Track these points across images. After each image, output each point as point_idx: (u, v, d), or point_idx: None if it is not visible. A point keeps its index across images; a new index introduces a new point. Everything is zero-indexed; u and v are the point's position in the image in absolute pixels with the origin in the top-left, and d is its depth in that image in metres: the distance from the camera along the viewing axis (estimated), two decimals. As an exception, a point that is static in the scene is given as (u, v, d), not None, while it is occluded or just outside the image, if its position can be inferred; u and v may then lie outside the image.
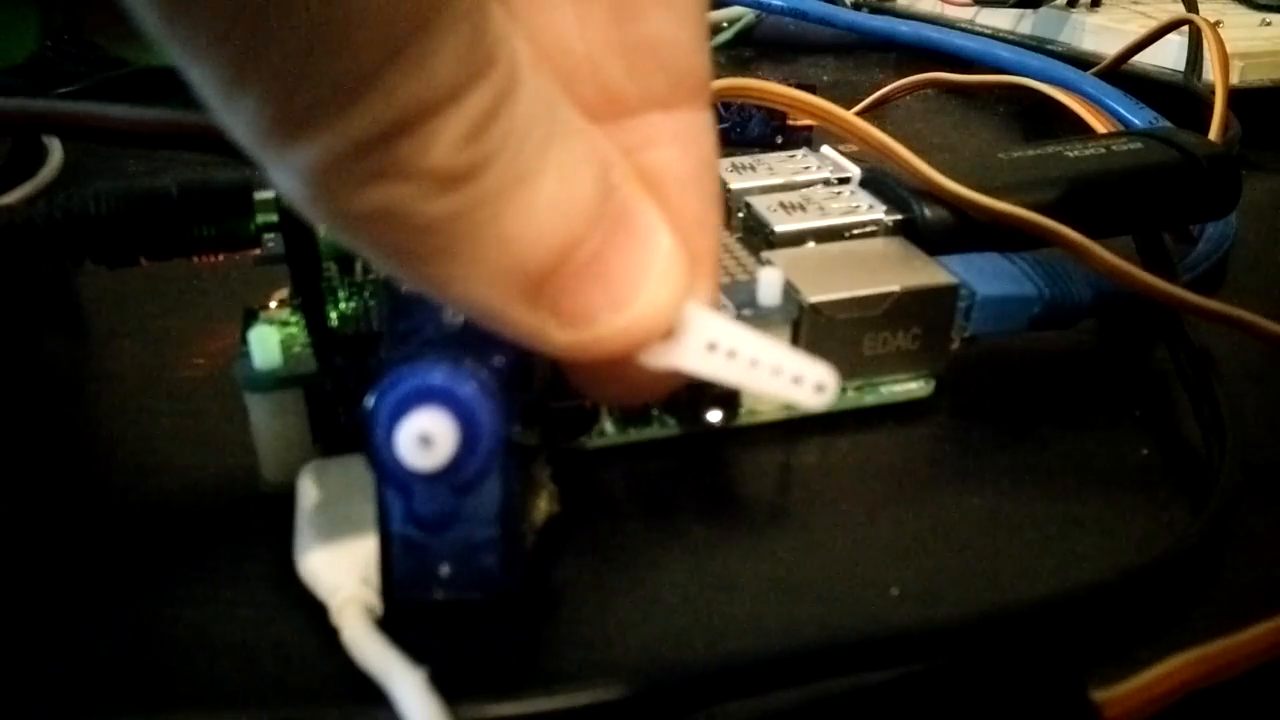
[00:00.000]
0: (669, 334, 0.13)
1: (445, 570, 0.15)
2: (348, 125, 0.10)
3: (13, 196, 0.28)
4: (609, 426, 0.20)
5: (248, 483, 0.19)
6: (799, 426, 0.21)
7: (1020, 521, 0.19)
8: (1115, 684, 0.14)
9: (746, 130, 0.33)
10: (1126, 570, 0.17)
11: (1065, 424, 0.22)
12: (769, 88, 0.26)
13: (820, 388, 0.13)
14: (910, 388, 0.22)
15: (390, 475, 0.14)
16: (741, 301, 0.20)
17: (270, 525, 0.18)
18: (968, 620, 0.16)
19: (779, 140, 0.34)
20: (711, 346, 0.13)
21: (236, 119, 0.10)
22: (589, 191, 0.11)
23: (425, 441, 0.13)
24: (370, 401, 0.13)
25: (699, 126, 0.13)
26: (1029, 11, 0.42)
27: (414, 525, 0.15)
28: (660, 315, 0.12)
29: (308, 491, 0.17)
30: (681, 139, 0.13)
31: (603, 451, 0.20)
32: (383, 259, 0.11)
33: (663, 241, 0.12)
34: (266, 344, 0.18)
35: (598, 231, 0.11)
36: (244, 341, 0.19)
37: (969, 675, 0.15)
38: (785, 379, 0.13)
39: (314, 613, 0.16)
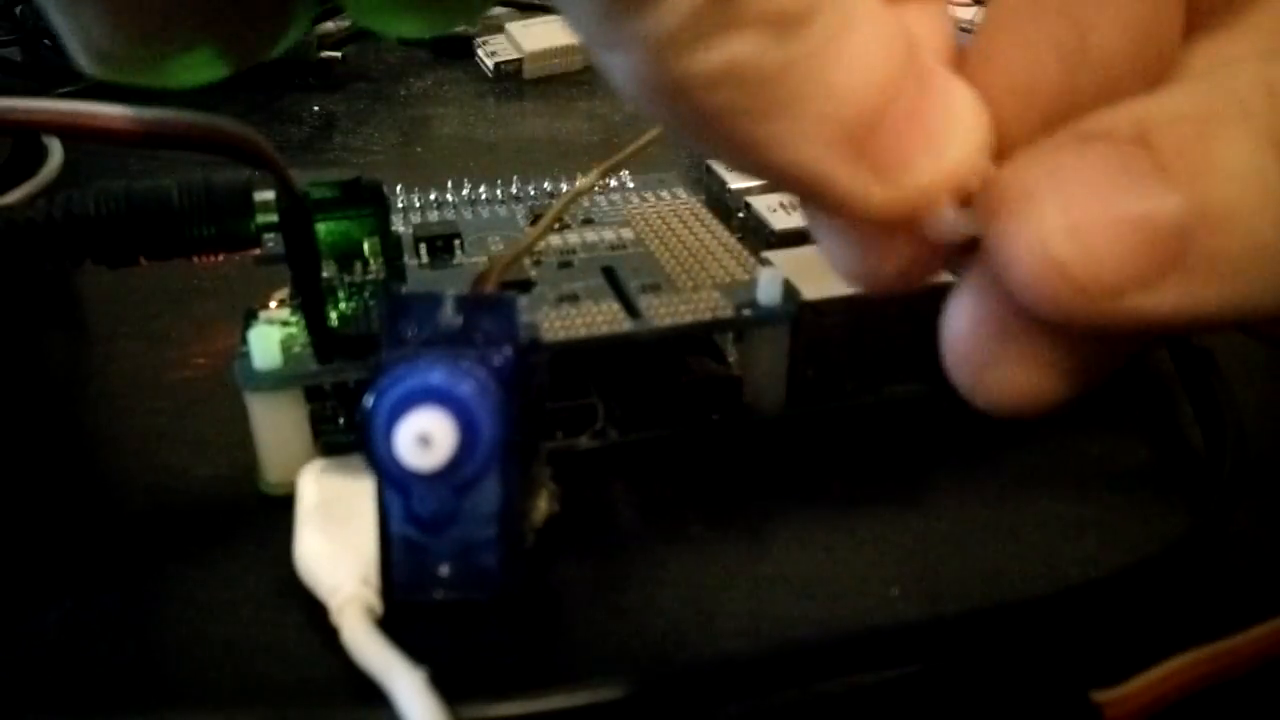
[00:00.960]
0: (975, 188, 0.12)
1: (445, 570, 0.15)
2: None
3: (13, 196, 0.27)
4: (609, 428, 0.20)
5: (247, 482, 0.19)
6: (800, 426, 0.21)
7: (1019, 521, 0.19)
8: (1116, 685, 0.14)
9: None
10: (1126, 569, 0.17)
11: (1065, 424, 0.22)
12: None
13: None
14: (910, 387, 0.22)
15: (389, 475, 0.14)
16: (741, 301, 0.20)
17: (270, 525, 0.18)
18: (969, 620, 0.16)
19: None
20: None
21: (581, 9, 0.11)
22: (900, 44, 0.11)
23: (424, 441, 0.13)
24: (369, 401, 0.13)
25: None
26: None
27: (414, 525, 0.15)
28: (976, 159, 0.12)
29: (308, 492, 0.17)
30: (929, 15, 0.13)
31: (603, 451, 0.20)
32: (715, 128, 0.11)
33: (964, 92, 0.12)
34: (267, 344, 0.18)
35: (910, 79, 0.11)
36: (244, 341, 0.19)
37: (971, 675, 0.15)
38: None
39: (314, 612, 0.16)
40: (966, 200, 0.12)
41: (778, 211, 0.24)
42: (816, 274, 0.21)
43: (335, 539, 0.16)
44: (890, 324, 0.21)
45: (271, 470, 0.19)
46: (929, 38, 0.13)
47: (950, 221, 0.12)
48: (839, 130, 0.11)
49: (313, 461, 0.18)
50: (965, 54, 0.13)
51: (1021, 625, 0.16)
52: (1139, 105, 0.11)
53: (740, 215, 0.25)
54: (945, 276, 0.21)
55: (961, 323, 0.12)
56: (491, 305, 0.15)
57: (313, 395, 0.19)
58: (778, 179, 0.12)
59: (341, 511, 0.17)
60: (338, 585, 0.15)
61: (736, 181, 0.25)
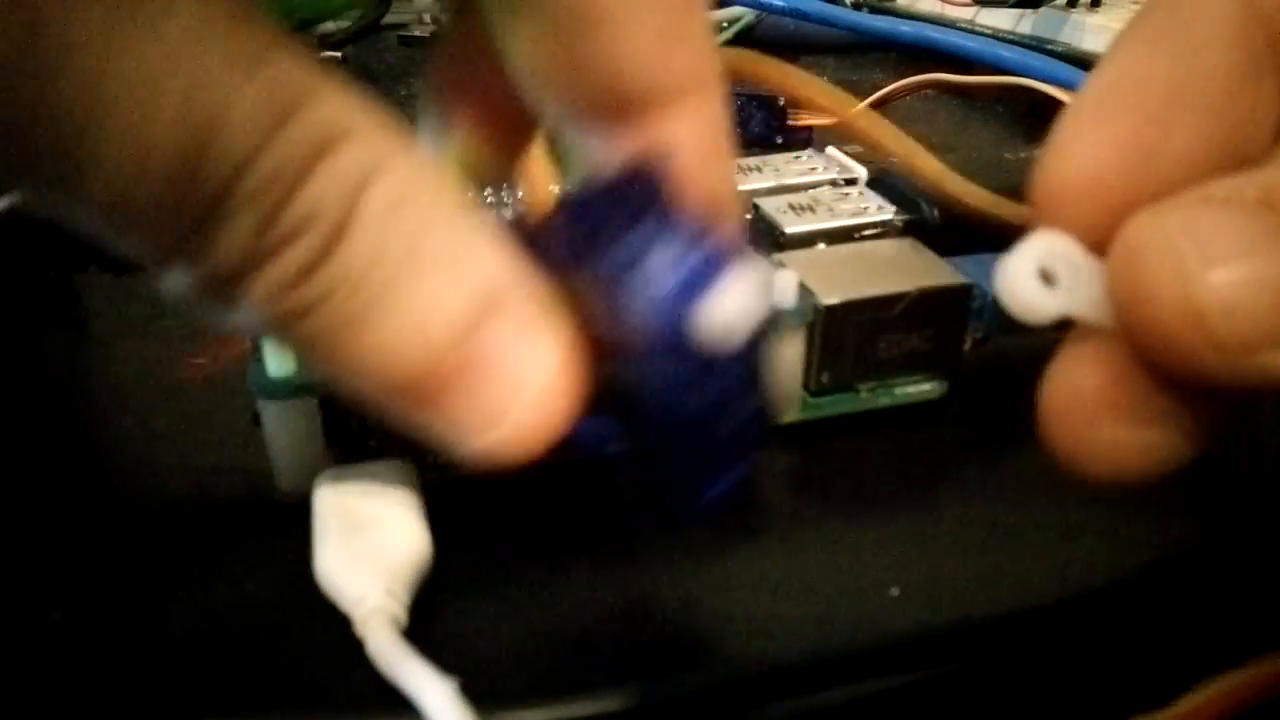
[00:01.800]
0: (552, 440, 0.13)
1: (712, 469, 0.14)
2: (181, 275, 0.11)
3: (13, 197, 0.27)
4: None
5: (256, 487, 0.19)
6: (802, 428, 0.21)
7: (1022, 524, 0.19)
8: (1158, 709, 0.14)
9: (747, 130, 0.33)
10: (1144, 574, 0.17)
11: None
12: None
13: None
14: (923, 389, 0.22)
15: (682, 357, 0.12)
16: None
17: (284, 533, 0.18)
18: (991, 633, 0.16)
19: (779, 140, 0.34)
20: None
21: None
22: (456, 308, 0.12)
23: (737, 306, 0.12)
24: (671, 278, 0.12)
25: (708, 110, 0.14)
26: (1029, 11, 0.42)
27: (685, 419, 0.13)
28: (532, 435, 0.13)
29: (325, 501, 0.17)
30: (692, 121, 0.14)
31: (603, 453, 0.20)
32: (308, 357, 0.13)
33: (546, 361, 0.12)
34: (281, 351, 0.18)
35: (463, 351, 0.12)
36: (257, 348, 0.18)
37: (1008, 695, 0.15)
38: None
39: (336, 624, 0.16)
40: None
41: (787, 214, 0.24)
42: (830, 276, 0.21)
43: (356, 549, 0.16)
44: (904, 327, 0.21)
45: (285, 478, 0.19)
46: (683, 141, 0.14)
47: (1038, 300, 0.11)
48: (394, 388, 0.12)
49: (328, 470, 0.18)
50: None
51: (1051, 635, 0.16)
52: (1259, 174, 0.11)
53: (749, 217, 0.24)
54: (959, 279, 0.21)
55: (1070, 383, 0.12)
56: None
57: (327, 402, 0.18)
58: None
59: (361, 521, 0.17)
60: (361, 596, 0.15)
61: (743, 183, 0.25)
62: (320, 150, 0.11)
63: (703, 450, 0.13)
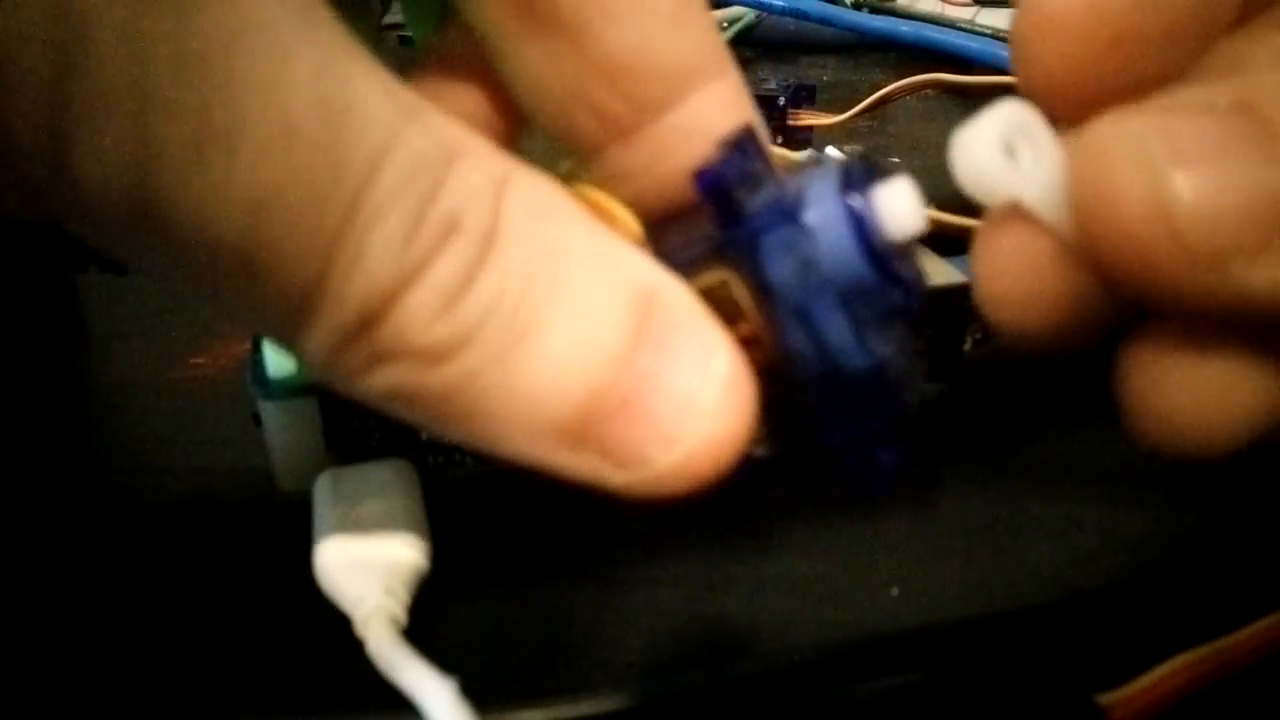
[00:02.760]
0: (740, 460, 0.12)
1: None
2: (320, 328, 0.10)
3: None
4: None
5: (255, 486, 0.19)
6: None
7: (1021, 523, 0.19)
8: (1120, 686, 0.14)
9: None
10: (1129, 574, 0.17)
11: (1071, 425, 0.22)
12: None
13: None
14: (923, 389, 0.22)
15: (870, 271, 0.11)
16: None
17: (283, 533, 0.18)
18: (972, 625, 0.16)
19: (779, 140, 0.34)
20: None
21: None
22: (614, 329, 0.11)
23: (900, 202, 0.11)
24: (837, 196, 0.11)
25: (729, 92, 0.14)
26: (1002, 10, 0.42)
27: (864, 373, 0.12)
28: (717, 449, 0.11)
29: (325, 501, 0.17)
30: (717, 106, 0.13)
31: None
32: (426, 427, 0.12)
33: (712, 366, 0.11)
34: (281, 351, 0.18)
35: (631, 368, 0.11)
36: (257, 349, 0.18)
37: (976, 679, 0.15)
38: None
39: (336, 624, 0.16)
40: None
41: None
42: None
43: (355, 550, 0.16)
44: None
45: (285, 478, 0.19)
46: (711, 125, 0.12)
47: (995, 173, 0.11)
48: (546, 430, 0.11)
49: (328, 470, 0.18)
50: None
51: (1025, 629, 0.16)
52: (1230, 83, 0.10)
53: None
54: (959, 279, 0.21)
55: (1007, 262, 0.11)
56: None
57: (327, 403, 0.18)
58: (518, 462, 0.12)
59: (361, 521, 0.17)
60: (362, 597, 0.15)
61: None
62: (450, 154, 0.10)
63: (876, 413, 0.12)
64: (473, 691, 0.13)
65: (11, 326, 0.25)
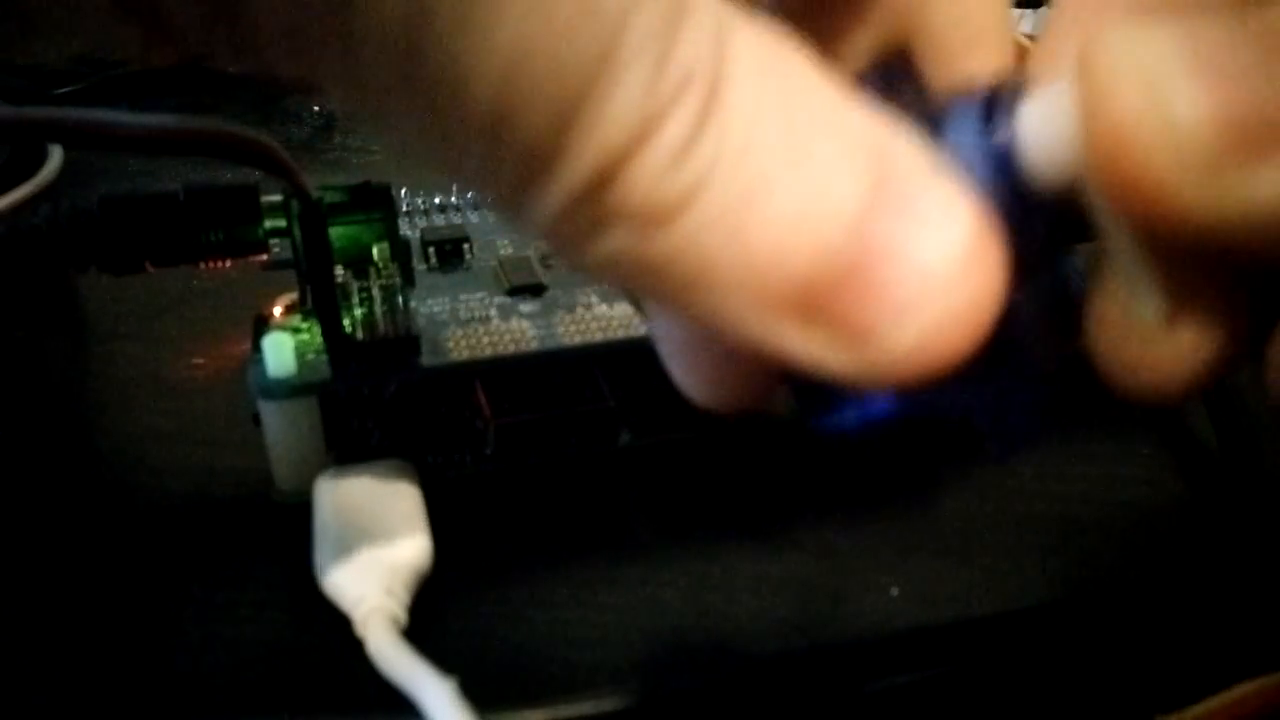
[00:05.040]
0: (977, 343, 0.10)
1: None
2: (554, 188, 0.10)
3: (13, 197, 0.27)
4: (625, 433, 0.20)
5: (255, 486, 0.19)
6: (802, 428, 0.21)
7: (1022, 524, 0.19)
8: (1180, 709, 0.14)
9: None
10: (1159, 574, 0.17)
11: (1071, 424, 0.22)
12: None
13: None
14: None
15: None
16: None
17: (283, 532, 0.18)
18: (974, 624, 0.16)
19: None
20: None
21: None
22: (849, 188, 0.10)
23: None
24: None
25: None
26: (1029, 11, 0.42)
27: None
28: (956, 327, 0.10)
29: (325, 501, 0.17)
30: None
31: (616, 454, 0.20)
32: (646, 295, 0.11)
33: (955, 231, 0.10)
34: (281, 351, 0.18)
35: (867, 231, 0.10)
36: (257, 349, 0.18)
37: (976, 679, 0.15)
38: None
39: (336, 623, 0.16)
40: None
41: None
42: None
43: (356, 550, 0.16)
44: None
45: (285, 478, 0.19)
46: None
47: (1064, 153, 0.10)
48: (772, 298, 0.10)
49: (328, 470, 0.18)
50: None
51: (1051, 635, 0.16)
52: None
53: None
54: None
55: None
56: None
57: (327, 403, 0.18)
58: (738, 341, 0.11)
59: (361, 521, 0.17)
60: (362, 596, 0.15)
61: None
62: (683, 3, 0.09)
63: (1031, 355, 0.11)
64: (473, 691, 0.13)
65: (11, 326, 0.25)
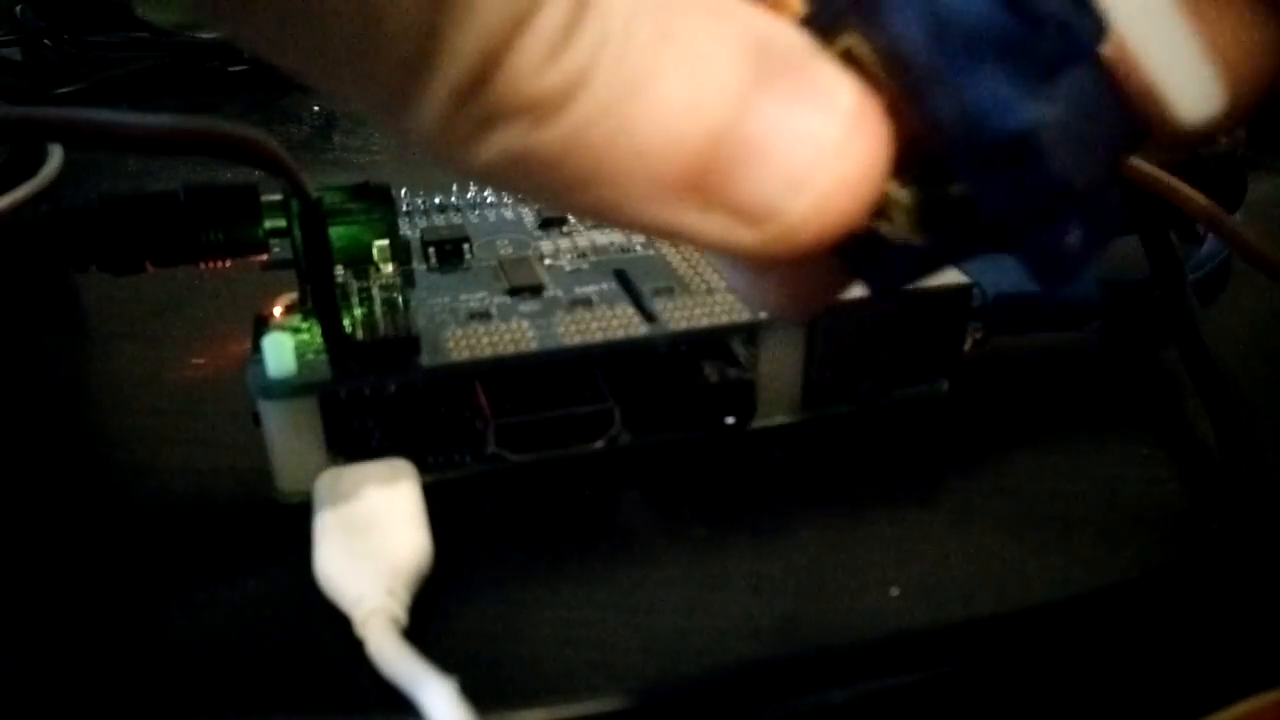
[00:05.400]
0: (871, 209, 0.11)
1: None
2: (433, 93, 0.10)
3: (13, 197, 0.27)
4: (624, 432, 0.20)
5: (255, 487, 0.19)
6: (802, 427, 0.21)
7: (1022, 524, 0.19)
8: None
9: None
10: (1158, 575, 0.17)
11: (1072, 425, 0.22)
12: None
13: None
14: (923, 388, 0.22)
15: None
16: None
17: (283, 532, 0.18)
18: (974, 624, 0.16)
19: None
20: None
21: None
22: (731, 73, 0.10)
23: None
24: None
25: None
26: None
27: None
28: (849, 191, 0.10)
29: (325, 501, 0.17)
30: None
31: (617, 455, 0.20)
32: (540, 198, 0.11)
33: (837, 102, 0.11)
34: (281, 351, 0.18)
35: (750, 112, 0.10)
36: (256, 349, 0.18)
37: (976, 679, 0.15)
38: None
39: (336, 623, 0.16)
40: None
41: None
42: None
43: (356, 550, 0.16)
44: (903, 326, 0.21)
45: (285, 478, 0.19)
46: None
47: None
48: (667, 187, 0.10)
49: (328, 470, 0.18)
50: None
51: (1052, 635, 0.16)
52: None
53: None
54: (959, 279, 0.21)
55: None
56: None
57: (327, 403, 0.18)
58: (643, 232, 0.11)
59: (361, 521, 0.17)
60: (362, 597, 0.15)
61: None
62: None
63: (1041, 186, 0.10)
64: (473, 691, 0.13)
65: (11, 326, 0.25)
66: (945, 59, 0.10)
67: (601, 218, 0.11)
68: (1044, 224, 0.10)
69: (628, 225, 0.11)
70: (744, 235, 0.11)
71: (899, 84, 0.10)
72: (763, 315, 0.20)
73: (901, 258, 0.11)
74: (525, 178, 0.11)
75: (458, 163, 0.10)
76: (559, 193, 0.11)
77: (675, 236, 0.11)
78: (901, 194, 0.11)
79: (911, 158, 0.11)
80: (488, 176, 0.11)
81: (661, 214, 0.11)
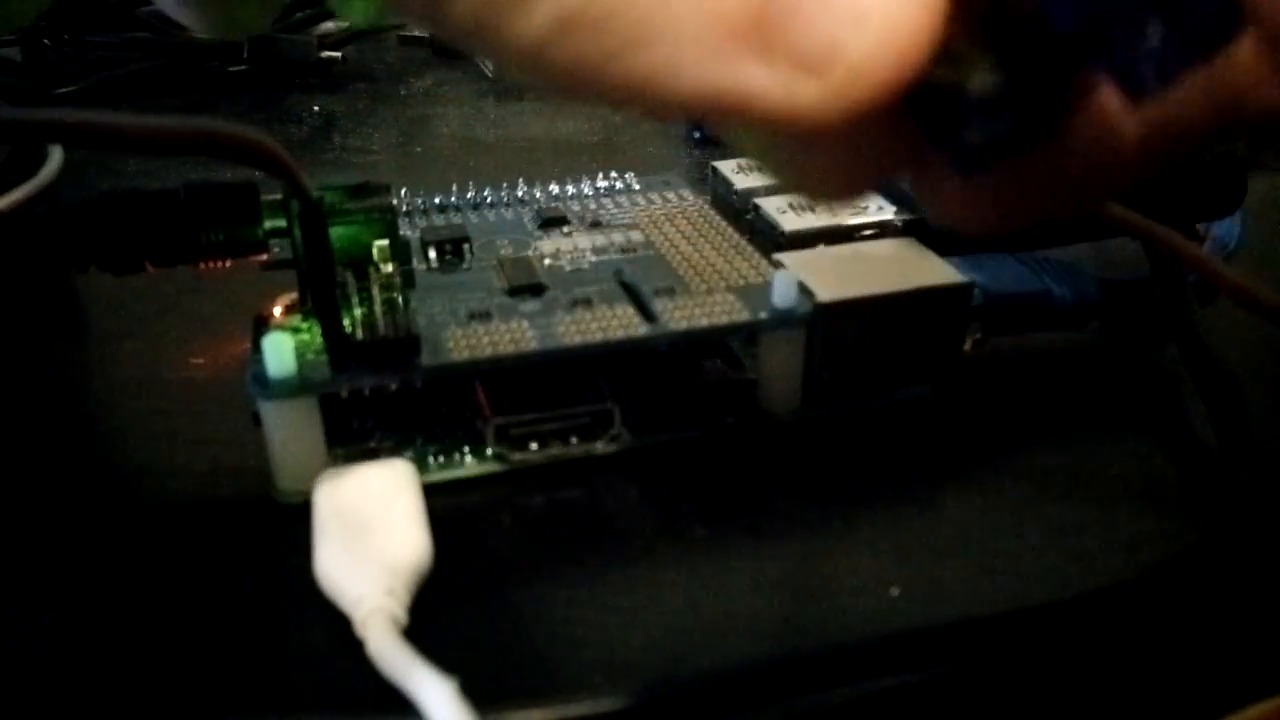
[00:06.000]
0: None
1: None
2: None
3: (13, 197, 0.27)
4: (624, 432, 0.20)
5: (255, 486, 0.19)
6: (802, 427, 0.21)
7: (1022, 524, 0.19)
8: None
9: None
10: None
11: (1072, 425, 0.22)
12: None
13: None
14: (922, 388, 0.22)
15: None
16: (756, 304, 0.20)
17: (283, 532, 0.18)
18: (974, 624, 0.16)
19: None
20: None
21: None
22: None
23: None
24: None
25: None
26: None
27: None
28: (916, 22, 0.10)
29: (325, 501, 0.17)
30: None
31: (618, 455, 0.20)
32: (588, 79, 0.10)
33: None
34: (281, 352, 0.18)
35: None
36: (257, 349, 0.18)
37: (976, 679, 0.15)
38: None
39: (335, 623, 0.16)
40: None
41: (787, 213, 0.24)
42: (829, 276, 0.21)
43: (356, 550, 0.16)
44: (904, 325, 0.21)
45: (285, 478, 0.19)
46: None
47: None
48: (726, 35, 0.10)
49: (328, 470, 0.18)
50: None
51: (1051, 635, 0.16)
52: None
53: (748, 217, 0.24)
54: (959, 279, 0.21)
55: None
56: None
57: (328, 403, 0.18)
58: (702, 112, 0.10)
59: (360, 521, 0.17)
60: (362, 597, 0.15)
61: (744, 182, 0.25)
62: None
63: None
64: (473, 691, 0.13)
65: (11, 326, 0.25)
66: None
67: (651, 95, 0.10)
68: (1121, 25, 0.09)
69: (680, 100, 0.10)
70: (808, 89, 0.10)
71: None
72: (774, 306, 0.20)
73: (979, 115, 0.10)
74: (574, 47, 0.10)
75: (507, 34, 0.10)
76: (608, 60, 0.10)
77: (734, 107, 0.10)
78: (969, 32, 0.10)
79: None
80: (536, 54, 0.10)
81: (720, 71, 0.10)
